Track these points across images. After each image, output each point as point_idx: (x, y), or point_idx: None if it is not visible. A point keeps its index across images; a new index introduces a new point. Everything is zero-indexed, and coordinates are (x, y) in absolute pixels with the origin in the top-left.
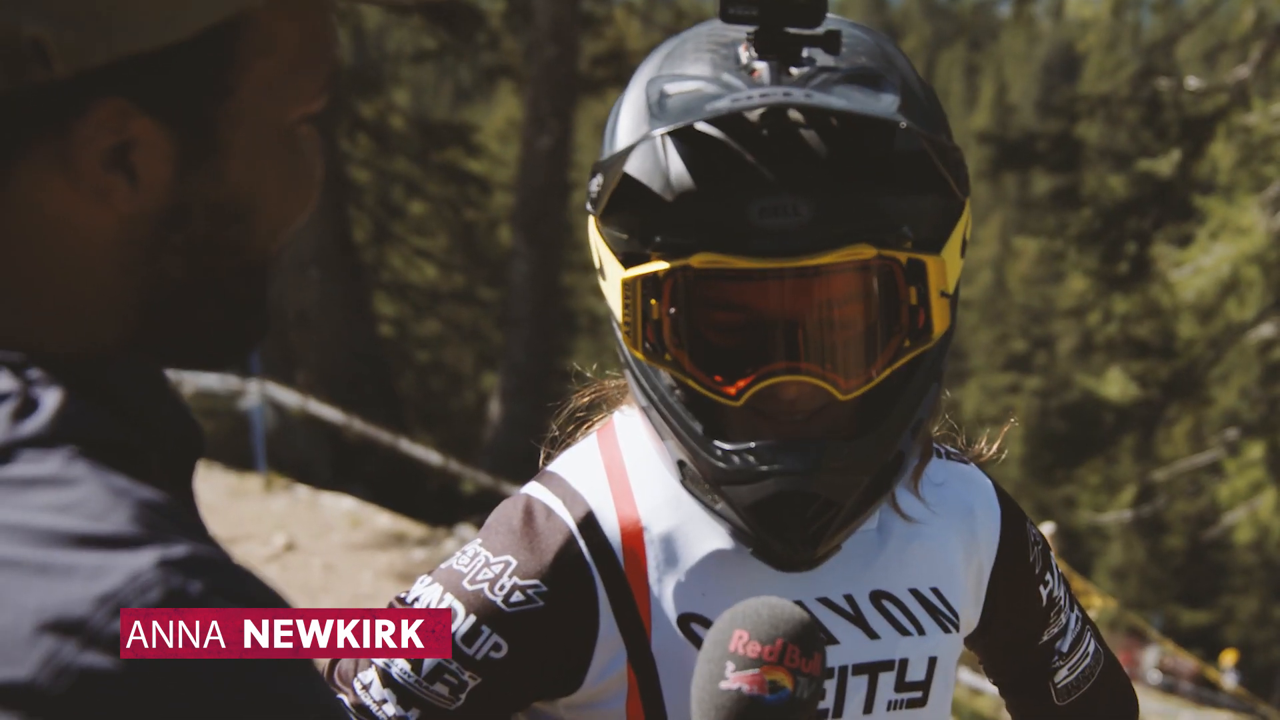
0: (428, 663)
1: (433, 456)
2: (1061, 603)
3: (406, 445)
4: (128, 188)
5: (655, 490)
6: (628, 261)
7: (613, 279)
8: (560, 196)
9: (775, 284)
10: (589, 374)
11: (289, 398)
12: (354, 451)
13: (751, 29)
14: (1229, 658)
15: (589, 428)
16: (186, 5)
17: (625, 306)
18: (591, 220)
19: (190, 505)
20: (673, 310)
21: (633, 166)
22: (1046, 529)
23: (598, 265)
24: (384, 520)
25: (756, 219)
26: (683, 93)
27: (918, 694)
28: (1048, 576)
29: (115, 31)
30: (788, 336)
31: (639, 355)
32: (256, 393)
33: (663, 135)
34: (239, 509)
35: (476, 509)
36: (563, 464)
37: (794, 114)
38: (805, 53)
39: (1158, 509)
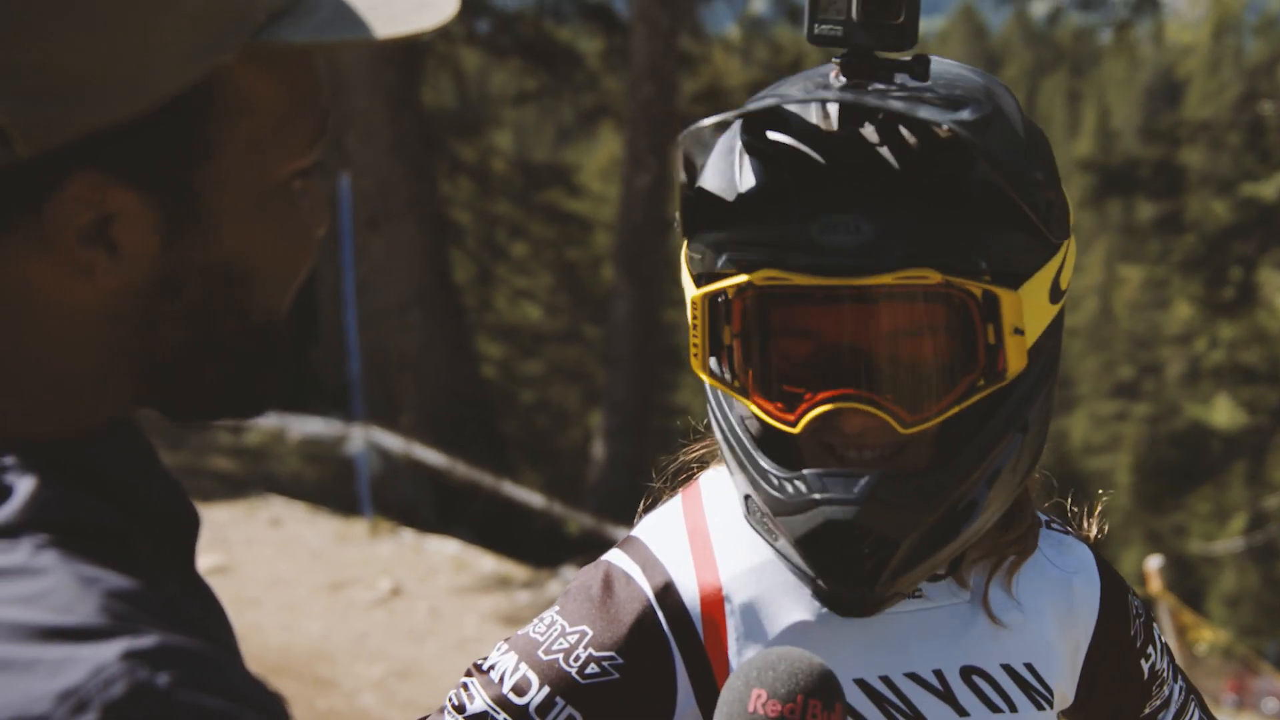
0: None
1: (536, 498)
2: (1164, 675)
3: (510, 487)
4: (109, 262)
5: (740, 556)
6: (700, 282)
7: (687, 301)
8: (659, 234)
9: (840, 308)
10: (700, 427)
11: (393, 441)
12: (458, 494)
13: (839, 53)
14: None
15: (680, 487)
16: (153, 73)
17: (693, 327)
18: (684, 254)
19: (190, 585)
20: (740, 334)
21: (708, 181)
22: (1155, 562)
23: (686, 296)
24: (488, 563)
25: (817, 235)
26: (768, 109)
27: None
28: (1149, 650)
29: (77, 107)
30: (850, 363)
31: (703, 375)
32: (360, 437)
33: (741, 145)
34: (345, 554)
35: (580, 551)
36: (645, 528)
37: (868, 131)
38: (894, 78)
39: (1270, 535)
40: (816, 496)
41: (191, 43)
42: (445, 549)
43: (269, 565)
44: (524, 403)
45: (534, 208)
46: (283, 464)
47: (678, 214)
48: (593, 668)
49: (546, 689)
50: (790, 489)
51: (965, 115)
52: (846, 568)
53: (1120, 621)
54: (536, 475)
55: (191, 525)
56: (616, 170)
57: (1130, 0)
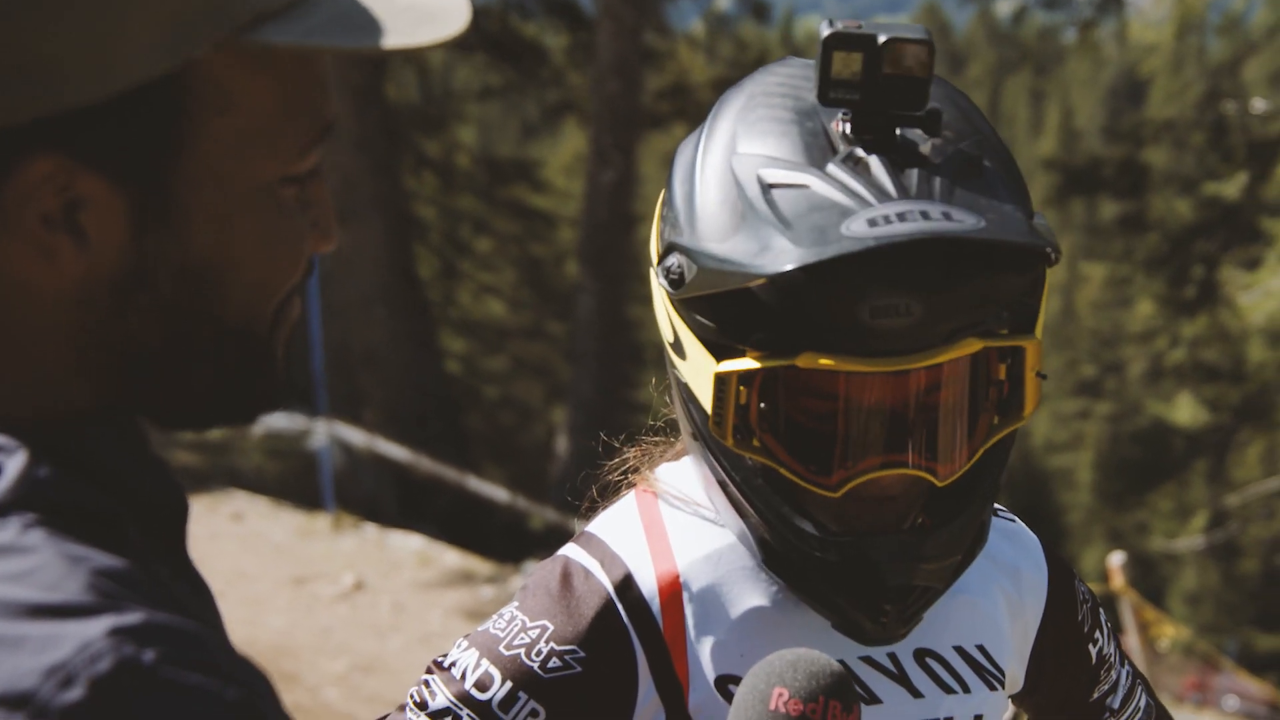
0: None
1: (500, 493)
2: (1112, 659)
3: (474, 482)
4: (75, 248)
5: (695, 545)
6: (717, 352)
7: (699, 367)
8: (624, 230)
9: (880, 381)
10: (637, 436)
11: (356, 436)
12: (422, 489)
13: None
14: None
15: (628, 487)
16: (120, 59)
17: (716, 399)
18: (661, 291)
19: (181, 569)
20: (764, 403)
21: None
22: (1117, 559)
23: (670, 338)
24: (452, 558)
25: (868, 319)
26: (791, 186)
27: None
28: (1097, 634)
29: (40, 88)
30: (890, 430)
31: (729, 443)
32: (324, 432)
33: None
34: (308, 549)
35: (544, 546)
36: (601, 525)
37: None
38: (898, 132)
39: (1231, 534)
40: (883, 565)
41: (165, 32)
42: (409, 544)
43: (231, 560)
44: (488, 398)
45: (498, 203)
46: (246, 458)
47: (677, 271)
48: (555, 661)
49: (509, 684)
50: (835, 554)
51: (1012, 206)
52: (891, 616)
53: (1068, 607)
54: (500, 471)
55: (181, 511)
56: (581, 166)
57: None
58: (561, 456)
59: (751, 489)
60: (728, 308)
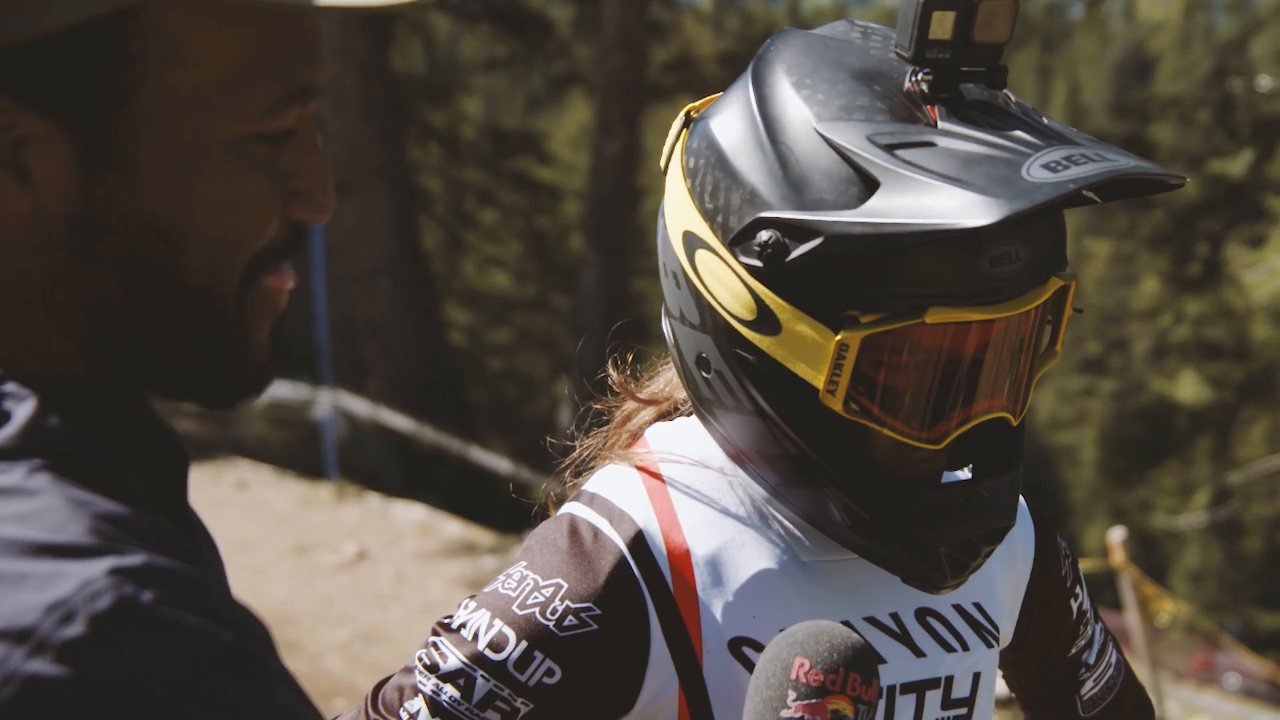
0: (479, 689)
1: (503, 464)
2: (1089, 615)
3: (477, 453)
4: (20, 187)
5: (697, 509)
6: (827, 319)
7: (804, 337)
8: (629, 203)
9: (987, 327)
10: (593, 424)
11: (360, 406)
12: (424, 460)
13: (915, 68)
14: None
15: (614, 446)
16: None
17: (834, 366)
18: (738, 268)
19: (184, 522)
20: (887, 366)
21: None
22: (1118, 534)
23: (748, 315)
24: (454, 528)
25: (988, 269)
26: (915, 145)
27: (963, 710)
28: (1077, 589)
29: None
30: (985, 376)
31: (842, 410)
32: (328, 402)
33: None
34: (310, 518)
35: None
36: (602, 484)
37: None
38: (963, 88)
39: (1234, 511)
40: (991, 506)
41: None
42: (411, 514)
43: (234, 528)
44: (492, 371)
45: (503, 175)
46: (249, 427)
47: (771, 244)
48: (570, 619)
49: (524, 643)
50: (944, 501)
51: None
52: (976, 559)
53: (1053, 563)
54: (503, 443)
55: (182, 466)
56: (586, 139)
57: None
58: (565, 429)
59: (843, 455)
60: (841, 273)
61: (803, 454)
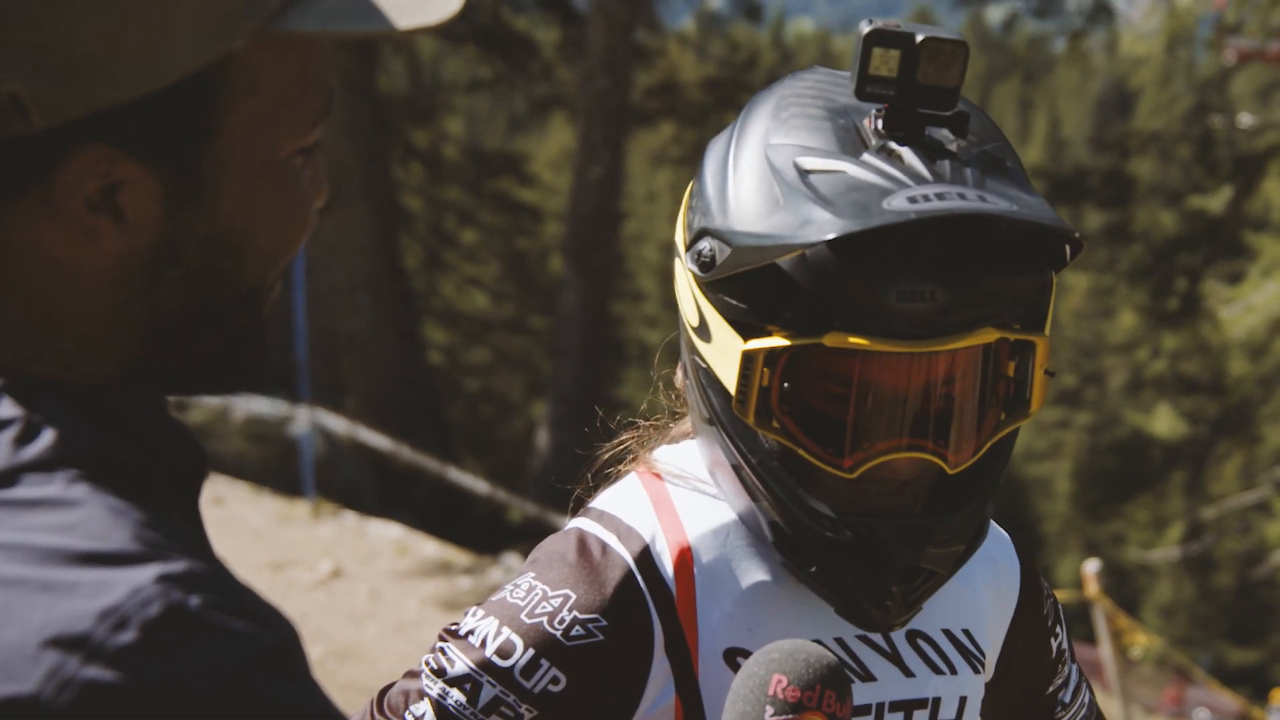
0: (485, 695)
1: (480, 485)
2: (1066, 654)
3: (454, 473)
4: (116, 228)
5: (702, 519)
6: (745, 332)
7: (725, 347)
8: (610, 226)
9: (900, 364)
10: (633, 419)
11: (338, 424)
12: (401, 478)
13: (879, 106)
14: (1278, 697)
15: (626, 466)
16: (167, 54)
17: (742, 376)
18: (689, 275)
19: (196, 524)
20: (786, 384)
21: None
22: (1092, 566)
23: (695, 323)
24: (430, 548)
25: (895, 303)
26: (828, 172)
27: None
28: (1058, 628)
29: (95, 83)
30: (906, 414)
31: (751, 422)
32: (305, 419)
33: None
34: (286, 535)
35: (523, 538)
36: (609, 501)
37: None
38: (927, 132)
39: (1206, 546)
40: (892, 547)
41: (206, 26)
42: (387, 532)
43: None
44: (469, 391)
45: (485, 195)
46: (226, 443)
47: (708, 254)
48: (578, 630)
49: (531, 651)
50: (849, 534)
51: (1037, 198)
52: (896, 600)
53: (1036, 599)
54: (480, 464)
55: (202, 468)
56: (569, 161)
57: (1085, 9)
58: (541, 450)
59: (767, 471)
60: (759, 288)
61: (738, 465)
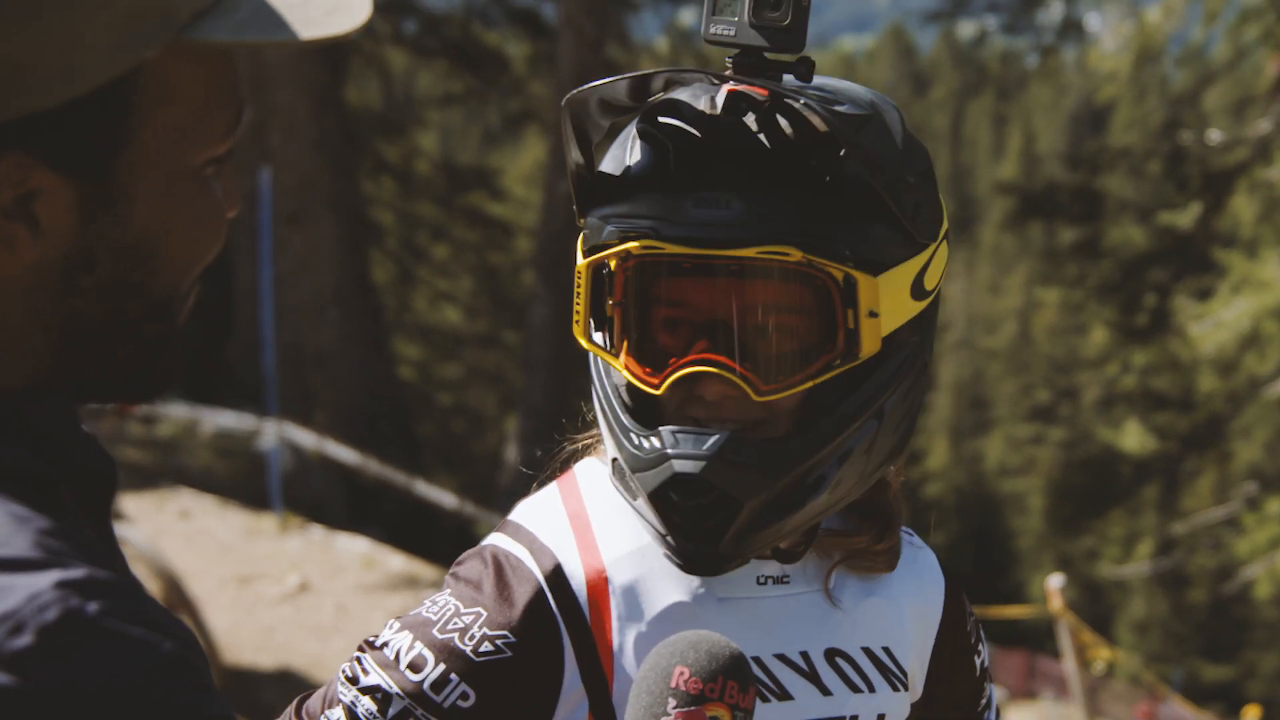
0: (395, 706)
1: (448, 499)
2: (988, 674)
3: (422, 487)
4: (30, 237)
5: (619, 541)
6: (587, 254)
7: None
8: None
9: (710, 280)
10: (588, 417)
11: (306, 438)
12: (370, 492)
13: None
14: (1251, 714)
15: (550, 476)
16: (81, 64)
17: (576, 294)
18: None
19: (105, 534)
20: (620, 302)
21: (604, 163)
22: (1056, 581)
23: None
24: (398, 562)
25: (690, 209)
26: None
27: None
28: (980, 646)
29: (9, 93)
30: (713, 332)
31: (582, 340)
32: (273, 433)
33: (635, 130)
34: (254, 548)
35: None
36: (525, 514)
37: (750, 120)
38: (781, 77)
39: (1178, 562)
40: (669, 450)
41: (120, 37)
42: (354, 546)
43: (177, 557)
44: (441, 405)
45: (456, 210)
46: (194, 457)
47: (571, 191)
48: (487, 646)
49: (442, 666)
50: (646, 445)
51: (842, 109)
52: (691, 523)
53: (960, 618)
54: (453, 479)
55: (111, 480)
56: (540, 175)
57: (1056, 26)
58: (511, 465)
59: (606, 403)
60: (597, 211)
61: (598, 402)
